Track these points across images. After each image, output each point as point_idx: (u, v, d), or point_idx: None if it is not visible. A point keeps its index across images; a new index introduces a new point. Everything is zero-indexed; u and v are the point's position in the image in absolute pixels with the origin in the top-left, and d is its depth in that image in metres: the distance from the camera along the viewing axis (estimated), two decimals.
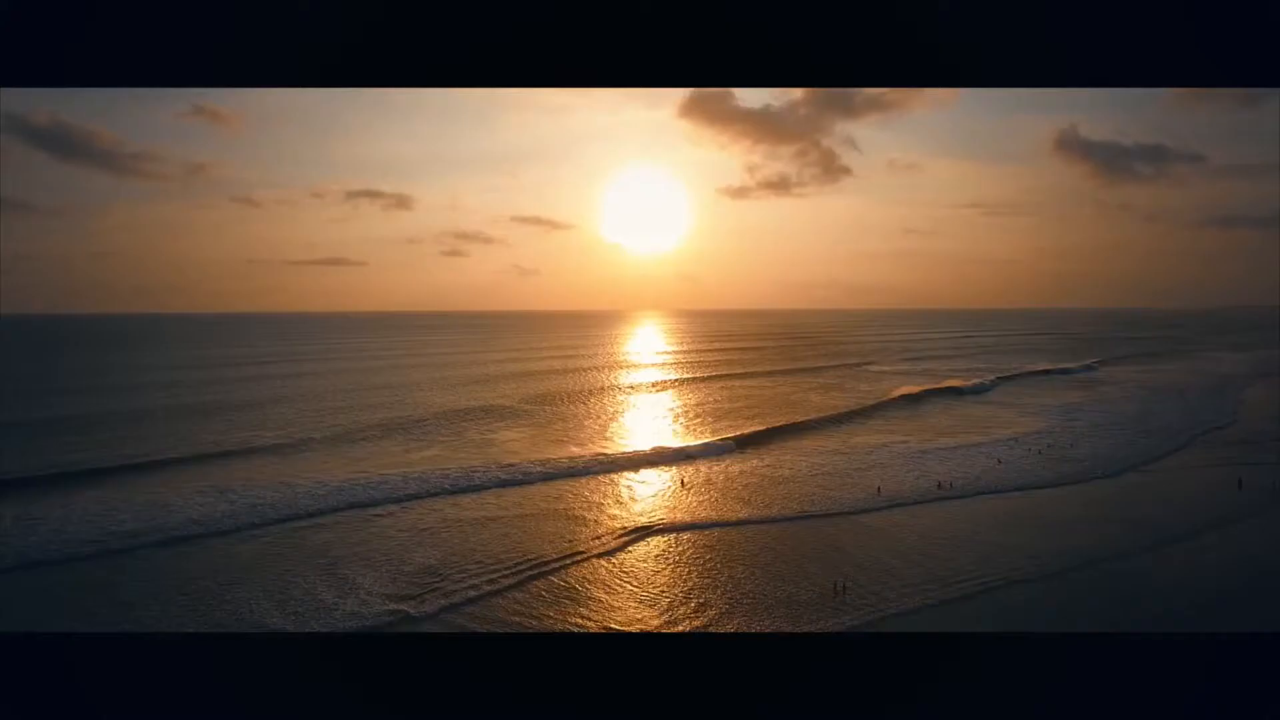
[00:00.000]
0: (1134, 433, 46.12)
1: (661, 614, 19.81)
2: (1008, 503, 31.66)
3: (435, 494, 32.99)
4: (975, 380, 73.42)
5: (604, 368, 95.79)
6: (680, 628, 19.23)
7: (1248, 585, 21.78)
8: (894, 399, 62.52)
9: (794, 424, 49.08)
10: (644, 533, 27.25)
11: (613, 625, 19.54)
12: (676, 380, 79.07)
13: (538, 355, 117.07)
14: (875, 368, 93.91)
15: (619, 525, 27.96)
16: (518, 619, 19.74)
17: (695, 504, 31.45)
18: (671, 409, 59.19)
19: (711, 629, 19.09)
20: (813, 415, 53.24)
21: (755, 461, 39.30)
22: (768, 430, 46.84)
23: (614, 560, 23.81)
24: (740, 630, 18.96)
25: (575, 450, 41.22)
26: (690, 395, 66.71)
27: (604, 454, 40.83)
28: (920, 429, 48.54)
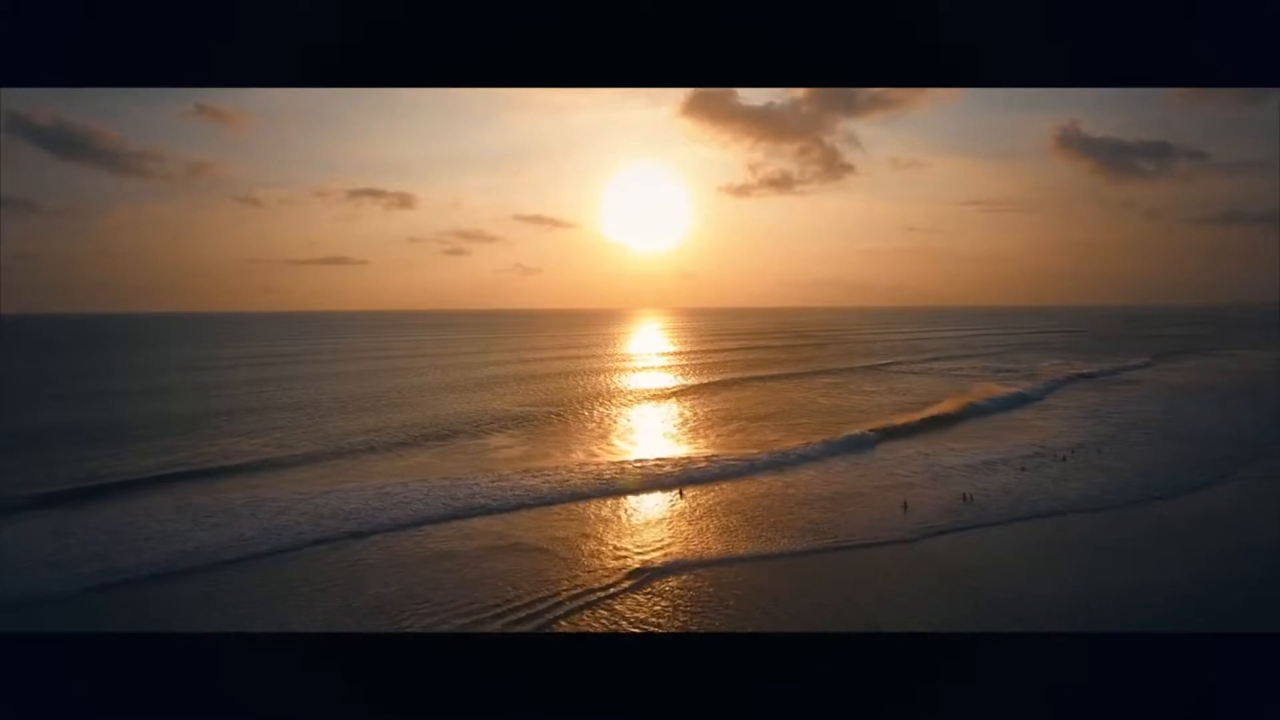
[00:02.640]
0: (1202, 444, 41.94)
1: None
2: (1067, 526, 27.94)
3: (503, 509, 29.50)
4: (1021, 386, 66.26)
5: (617, 369, 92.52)
6: (680, 628, 19.22)
7: (1249, 585, 21.74)
8: (942, 403, 57.09)
9: (844, 437, 43.66)
10: (657, 570, 23.24)
11: (613, 628, 19.52)
12: (696, 385, 74.09)
13: (548, 355, 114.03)
14: (898, 368, 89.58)
15: (624, 562, 24.05)
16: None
17: (716, 530, 27.42)
18: (704, 416, 54.67)
19: (711, 629, 19.09)
20: (857, 425, 48.00)
21: (773, 479, 34.93)
22: (809, 446, 41.37)
23: (620, 601, 21.14)
24: (740, 630, 18.95)
25: (604, 459, 38.44)
26: (715, 401, 62.20)
27: (638, 464, 37.26)
28: (981, 440, 44.02)
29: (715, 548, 25.14)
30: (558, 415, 54.48)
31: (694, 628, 19.11)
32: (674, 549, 25.06)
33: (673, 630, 19.08)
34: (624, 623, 20.10)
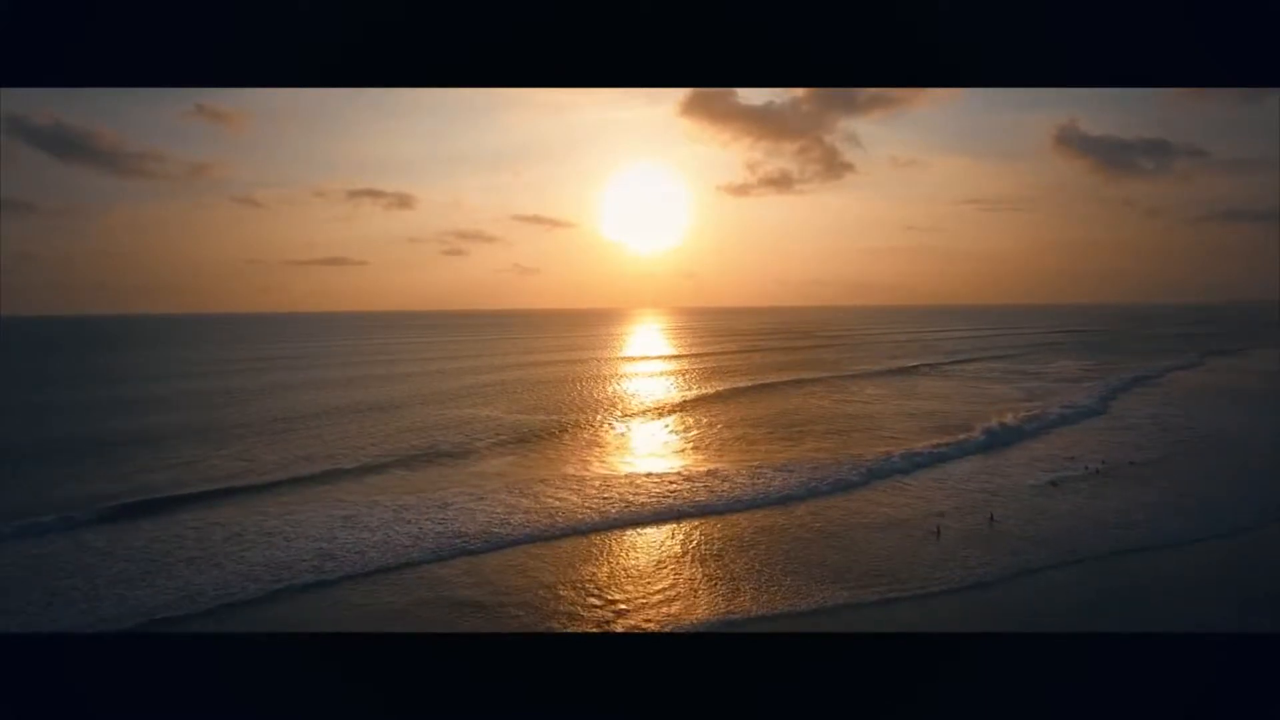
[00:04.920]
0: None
1: None
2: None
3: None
4: (1076, 396, 58.83)
5: (624, 375, 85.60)
6: (680, 628, 19.21)
7: (1248, 585, 21.72)
8: (987, 414, 50.39)
9: (880, 458, 37.58)
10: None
11: (613, 626, 19.51)
12: (716, 393, 65.03)
13: (551, 359, 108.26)
14: (922, 372, 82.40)
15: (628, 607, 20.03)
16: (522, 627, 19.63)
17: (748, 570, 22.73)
18: (728, 430, 46.94)
19: (711, 629, 19.08)
20: (892, 441, 41.80)
21: (794, 508, 29.41)
22: (838, 467, 35.50)
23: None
24: (740, 630, 18.95)
25: (602, 485, 32.83)
26: (735, 411, 54.52)
27: (645, 493, 31.26)
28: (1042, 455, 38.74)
29: (726, 602, 20.22)
30: (558, 428, 48.00)
31: (694, 628, 19.10)
32: (672, 609, 20.10)
33: (673, 630, 19.07)
34: (624, 623, 19.77)
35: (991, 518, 27.63)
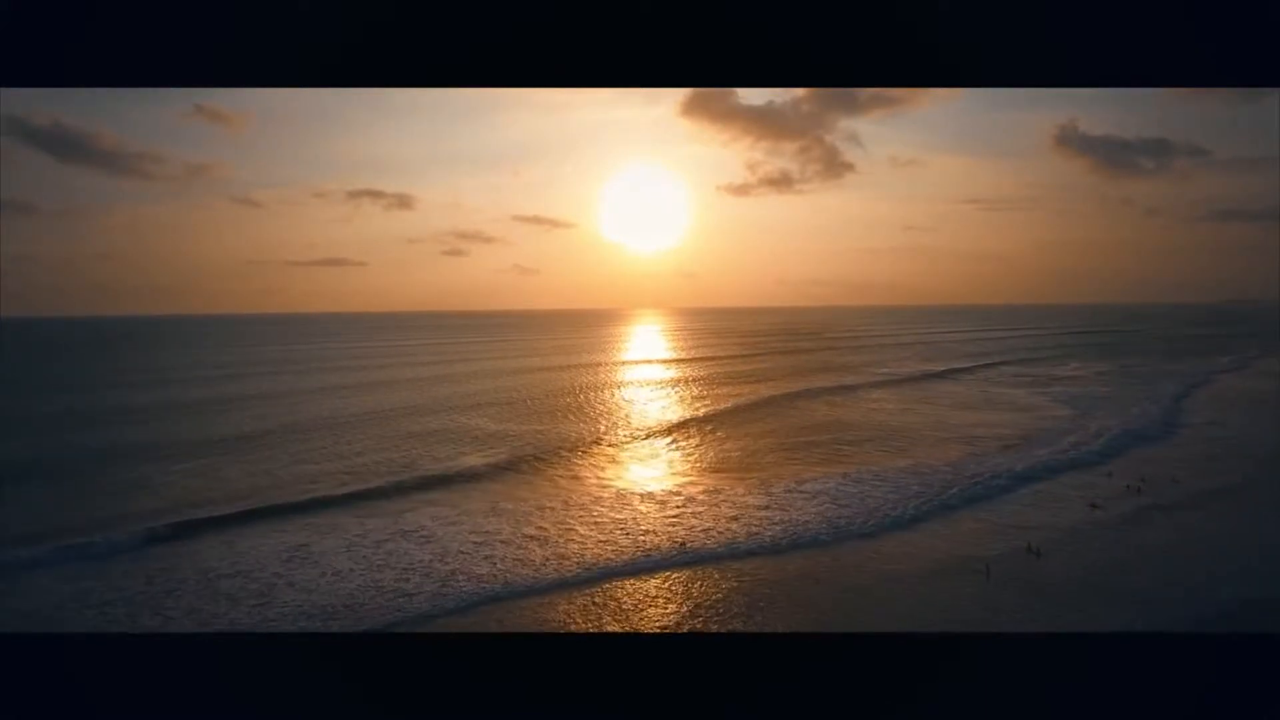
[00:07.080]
0: None
1: None
2: None
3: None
4: (1141, 410, 52.73)
5: (638, 380, 79.85)
6: (679, 628, 19.21)
7: (1248, 585, 21.71)
8: (1037, 431, 45.13)
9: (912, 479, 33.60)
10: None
11: (613, 627, 19.51)
12: (736, 404, 58.84)
13: (557, 363, 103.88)
14: (957, 378, 77.29)
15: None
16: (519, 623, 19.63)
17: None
18: (763, 442, 43.23)
19: (710, 629, 19.08)
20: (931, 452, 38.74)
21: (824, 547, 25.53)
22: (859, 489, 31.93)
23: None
24: (739, 630, 18.94)
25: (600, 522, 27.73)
26: (768, 422, 49.88)
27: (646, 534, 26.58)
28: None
29: None
30: (559, 441, 43.92)
31: (694, 628, 19.10)
32: None
33: (673, 630, 19.07)
34: (625, 623, 19.72)
35: (1033, 549, 24.26)
